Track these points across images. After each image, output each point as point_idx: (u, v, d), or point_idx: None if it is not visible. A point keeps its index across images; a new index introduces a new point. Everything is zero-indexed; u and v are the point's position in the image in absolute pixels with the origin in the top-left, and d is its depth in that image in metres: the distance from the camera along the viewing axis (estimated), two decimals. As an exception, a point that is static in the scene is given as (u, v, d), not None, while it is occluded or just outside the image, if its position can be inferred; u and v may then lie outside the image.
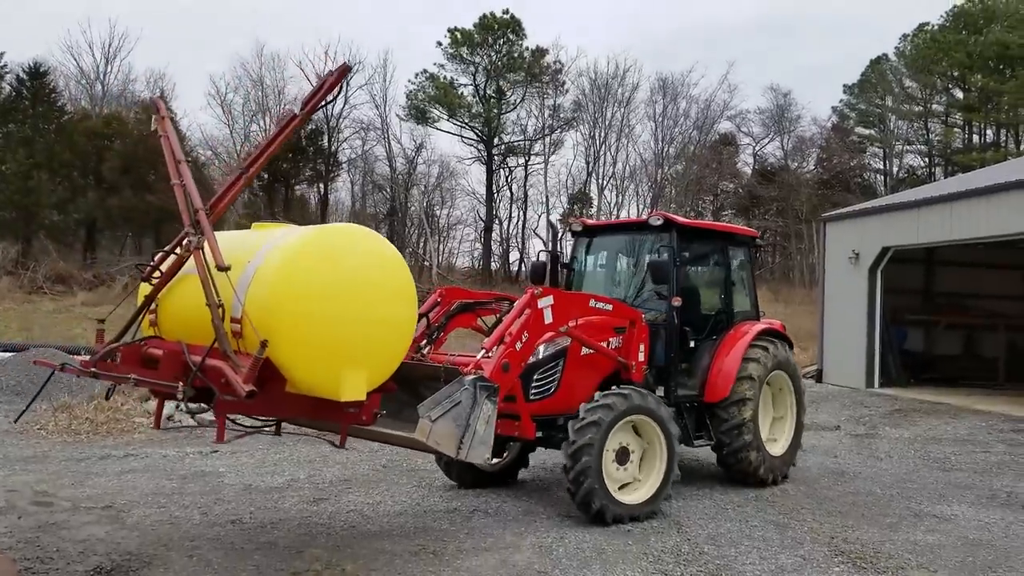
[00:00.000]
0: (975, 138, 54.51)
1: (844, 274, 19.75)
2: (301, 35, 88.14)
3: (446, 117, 51.50)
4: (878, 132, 55.40)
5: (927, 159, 55.19)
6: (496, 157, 51.76)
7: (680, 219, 8.83)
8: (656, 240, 8.79)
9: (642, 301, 8.73)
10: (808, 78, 77.70)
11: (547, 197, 51.23)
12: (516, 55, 51.62)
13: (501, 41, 51.65)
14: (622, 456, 7.34)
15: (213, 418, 5.12)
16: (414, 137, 51.91)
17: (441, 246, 53.74)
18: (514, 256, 52.39)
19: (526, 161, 52.30)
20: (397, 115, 51.55)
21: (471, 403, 5.75)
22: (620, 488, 7.34)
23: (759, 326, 9.17)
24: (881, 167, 56.18)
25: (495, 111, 51.17)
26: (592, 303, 7.82)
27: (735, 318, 9.22)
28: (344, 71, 6.21)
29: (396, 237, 45.39)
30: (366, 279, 5.26)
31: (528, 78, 51.39)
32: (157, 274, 5.84)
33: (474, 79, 52.36)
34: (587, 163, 52.84)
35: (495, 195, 51.75)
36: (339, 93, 6.46)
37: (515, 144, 52.27)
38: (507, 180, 52.91)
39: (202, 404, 5.27)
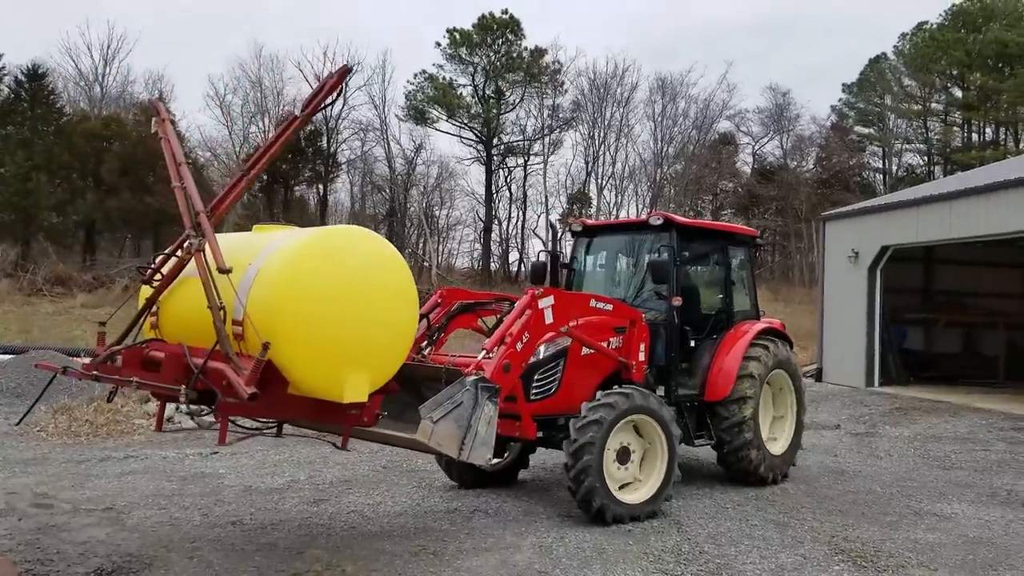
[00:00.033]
0: (974, 136, 54.56)
1: (844, 273, 19.75)
2: (300, 36, 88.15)
3: (445, 118, 51.61)
4: (877, 131, 55.48)
5: (926, 158, 55.26)
6: (495, 157, 51.80)
7: (680, 219, 8.84)
8: (656, 240, 8.80)
9: (642, 301, 8.73)
10: (807, 77, 77.95)
11: (546, 197, 51.40)
12: (515, 55, 51.65)
13: (500, 41, 51.67)
14: (623, 456, 7.34)
15: (213, 420, 5.12)
16: (413, 138, 52.16)
17: (440, 246, 53.90)
18: (514, 256, 52.58)
19: (525, 161, 52.44)
20: (396, 116, 51.79)
21: (472, 404, 5.76)
22: (621, 488, 7.35)
23: (759, 325, 9.19)
24: (880, 166, 56.37)
25: (494, 111, 51.19)
26: (592, 303, 7.83)
27: (735, 317, 9.23)
28: (344, 72, 6.22)
29: (395, 238, 45.36)
30: (367, 280, 5.27)
31: (527, 78, 51.43)
32: (158, 277, 5.83)
33: (473, 79, 52.44)
34: (586, 163, 52.99)
35: (494, 195, 51.81)
36: (339, 95, 6.47)
37: (514, 144, 52.34)
38: (506, 180, 53.04)
39: (203, 407, 5.28)
